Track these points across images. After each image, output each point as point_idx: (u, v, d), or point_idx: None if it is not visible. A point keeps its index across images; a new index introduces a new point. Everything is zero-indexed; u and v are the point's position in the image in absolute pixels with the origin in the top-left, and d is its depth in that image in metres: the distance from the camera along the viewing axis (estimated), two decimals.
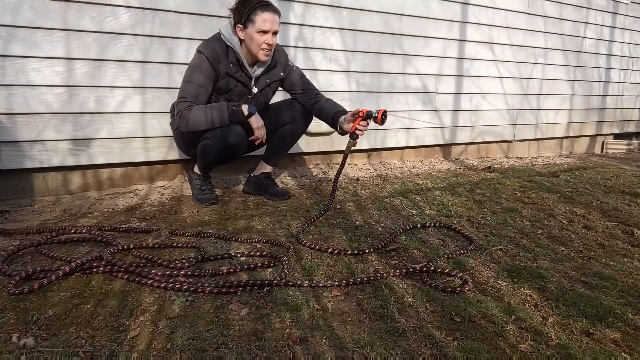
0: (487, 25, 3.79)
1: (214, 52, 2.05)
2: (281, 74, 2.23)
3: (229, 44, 2.07)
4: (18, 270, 1.43)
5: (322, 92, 2.33)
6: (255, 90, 2.20)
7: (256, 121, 2.08)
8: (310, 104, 2.27)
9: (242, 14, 2.02)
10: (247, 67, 2.14)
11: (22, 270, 1.41)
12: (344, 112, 2.11)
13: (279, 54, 2.22)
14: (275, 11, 2.04)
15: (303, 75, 2.32)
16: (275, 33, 2.06)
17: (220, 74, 2.09)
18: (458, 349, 1.12)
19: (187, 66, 2.13)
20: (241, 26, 2.04)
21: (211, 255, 1.60)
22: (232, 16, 2.08)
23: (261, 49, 2.06)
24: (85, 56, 2.32)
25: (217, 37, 2.09)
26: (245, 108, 2.07)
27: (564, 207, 2.37)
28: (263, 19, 2.00)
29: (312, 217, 2.01)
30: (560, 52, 4.34)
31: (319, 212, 2.04)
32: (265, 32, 2.02)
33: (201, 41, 2.13)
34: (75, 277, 1.42)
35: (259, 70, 2.17)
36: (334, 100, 2.27)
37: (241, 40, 2.08)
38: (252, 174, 2.48)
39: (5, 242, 1.73)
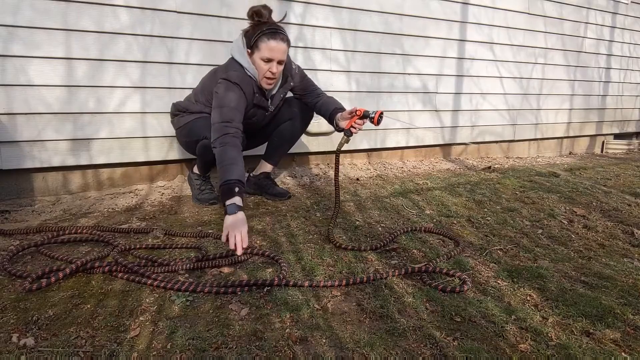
0: (487, 25, 3.79)
1: (248, 85, 2.01)
2: (292, 83, 2.22)
3: (250, 74, 2.03)
4: (19, 269, 1.43)
5: (317, 87, 2.31)
6: (271, 108, 2.20)
7: (227, 222, 1.57)
8: (313, 103, 2.27)
9: (251, 39, 1.97)
10: (265, 92, 2.13)
11: (32, 272, 1.42)
12: (342, 109, 2.11)
13: (287, 68, 2.18)
14: (283, 40, 1.96)
15: (305, 76, 2.30)
16: (280, 62, 2.00)
17: (250, 104, 2.08)
18: (458, 349, 1.12)
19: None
20: (249, 50, 2.00)
21: (210, 255, 1.60)
22: (243, 38, 2.01)
23: (265, 77, 2.02)
24: (85, 56, 2.32)
25: (242, 70, 2.01)
26: (231, 202, 1.61)
27: (564, 207, 2.37)
28: (268, 47, 1.94)
29: (331, 222, 1.96)
30: (560, 52, 4.34)
31: (333, 215, 2.01)
32: (269, 60, 1.97)
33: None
34: (75, 277, 1.42)
35: (274, 90, 2.16)
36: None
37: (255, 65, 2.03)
38: (252, 174, 2.48)
39: (5, 242, 1.73)
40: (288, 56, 2.25)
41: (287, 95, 2.28)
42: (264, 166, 2.45)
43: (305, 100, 2.29)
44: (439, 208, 2.31)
